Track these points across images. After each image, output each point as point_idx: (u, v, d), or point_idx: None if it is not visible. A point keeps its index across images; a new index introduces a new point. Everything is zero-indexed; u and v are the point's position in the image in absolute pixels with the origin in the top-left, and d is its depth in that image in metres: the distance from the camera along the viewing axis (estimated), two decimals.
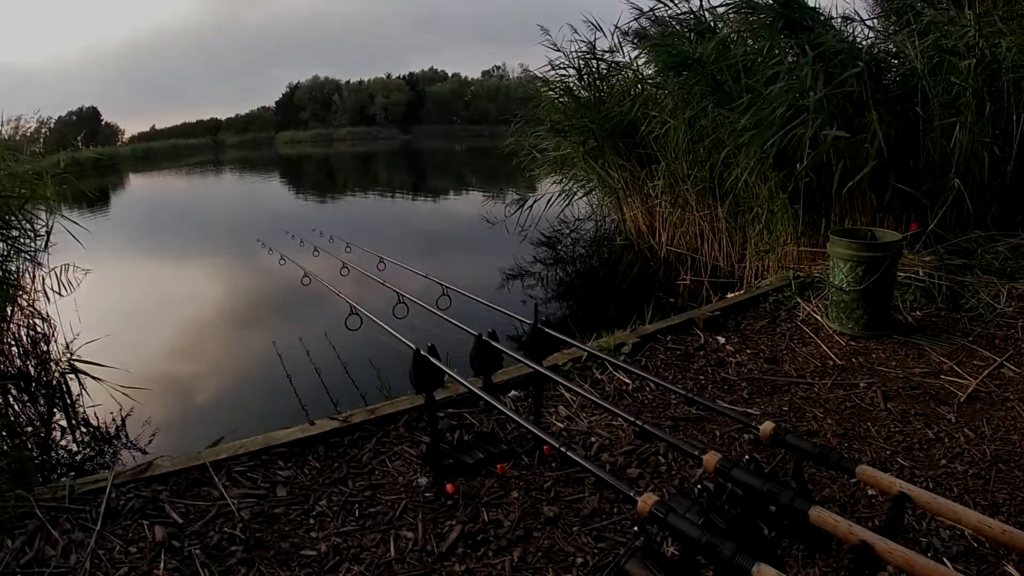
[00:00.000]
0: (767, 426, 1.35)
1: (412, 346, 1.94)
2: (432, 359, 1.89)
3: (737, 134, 4.63)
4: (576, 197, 8.01)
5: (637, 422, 1.37)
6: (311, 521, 2.03)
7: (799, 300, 3.90)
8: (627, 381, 2.87)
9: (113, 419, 3.50)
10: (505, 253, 7.62)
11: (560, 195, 8.05)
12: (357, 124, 55.85)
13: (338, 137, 52.50)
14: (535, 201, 8.45)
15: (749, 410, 2.71)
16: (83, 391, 3.64)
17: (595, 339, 3.28)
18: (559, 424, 2.54)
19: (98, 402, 3.54)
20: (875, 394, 2.82)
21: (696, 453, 1.25)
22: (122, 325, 4.80)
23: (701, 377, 3.00)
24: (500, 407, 1.53)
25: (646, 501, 1.07)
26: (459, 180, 21.45)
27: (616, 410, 1.45)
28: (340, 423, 2.53)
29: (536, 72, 7.98)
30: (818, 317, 3.68)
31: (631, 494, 1.10)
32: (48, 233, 4.47)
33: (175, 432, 3.43)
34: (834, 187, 4.41)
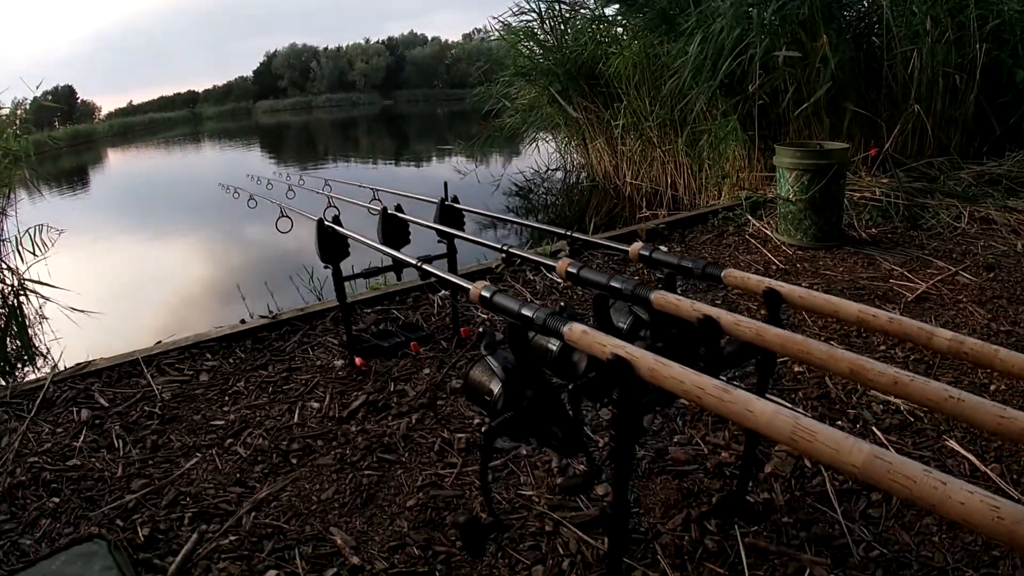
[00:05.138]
0: (635, 247, 1.34)
1: (313, 218, 1.92)
2: (335, 227, 1.87)
3: (686, 60, 4.58)
4: (542, 139, 8.00)
5: (503, 248, 1.37)
6: (226, 398, 2.06)
7: (750, 217, 3.88)
8: (559, 280, 2.87)
9: (67, 337, 3.55)
10: (476, 203, 7.60)
11: (527, 141, 8.04)
12: (336, 91, 54.68)
13: (317, 104, 51.35)
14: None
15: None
16: (40, 316, 3.75)
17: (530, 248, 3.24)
18: (483, 316, 2.54)
19: (57, 328, 3.68)
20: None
21: (552, 263, 1.24)
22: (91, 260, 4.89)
23: (636, 277, 3.00)
24: (398, 255, 1.50)
25: (477, 287, 1.07)
26: (441, 144, 21.19)
27: (484, 241, 1.45)
28: (270, 320, 2.53)
29: (502, 19, 7.88)
30: (767, 232, 3.67)
31: (467, 285, 1.10)
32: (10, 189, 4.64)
33: (124, 340, 3.47)
34: (786, 108, 4.39)
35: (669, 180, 5.79)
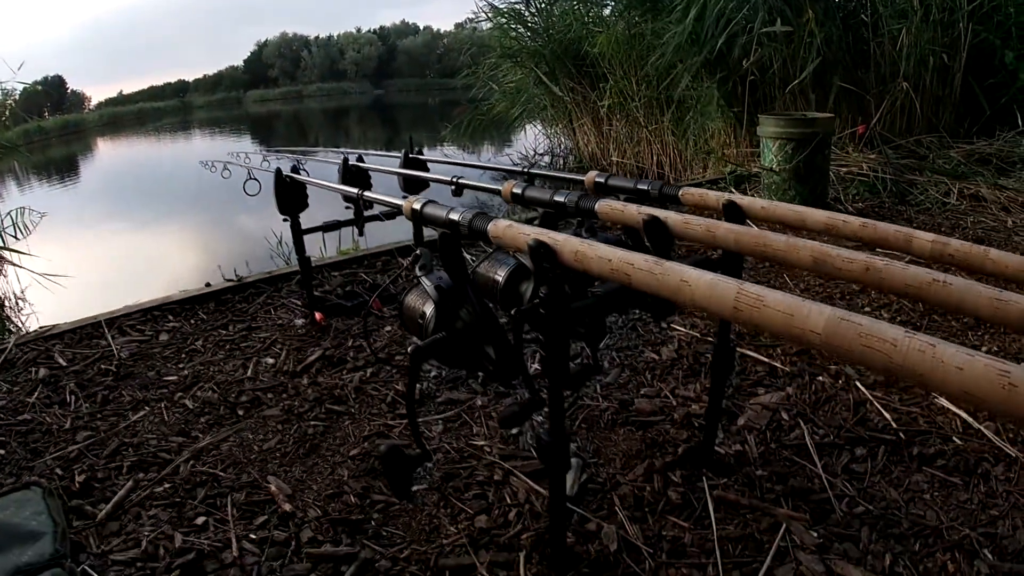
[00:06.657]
0: (590, 175, 1.29)
1: (271, 171, 1.85)
2: (293, 175, 1.80)
3: (674, 35, 4.52)
4: (529, 123, 7.95)
5: (453, 180, 1.32)
6: (182, 356, 2.00)
7: (733, 190, 3.82)
8: None
9: (50, 316, 3.47)
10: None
11: (515, 126, 7.99)
12: (327, 80, 54.08)
13: (308, 94, 50.67)
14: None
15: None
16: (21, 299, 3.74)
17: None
18: None
19: (42, 312, 3.61)
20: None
21: (497, 187, 1.19)
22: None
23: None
24: (342, 187, 1.43)
25: (410, 201, 1.01)
26: (433, 134, 21.07)
27: (436, 176, 1.39)
28: (235, 283, 2.47)
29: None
30: None
31: (400, 203, 1.04)
32: None
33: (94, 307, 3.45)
34: (771, 84, 4.33)
35: (655, 159, 5.73)
